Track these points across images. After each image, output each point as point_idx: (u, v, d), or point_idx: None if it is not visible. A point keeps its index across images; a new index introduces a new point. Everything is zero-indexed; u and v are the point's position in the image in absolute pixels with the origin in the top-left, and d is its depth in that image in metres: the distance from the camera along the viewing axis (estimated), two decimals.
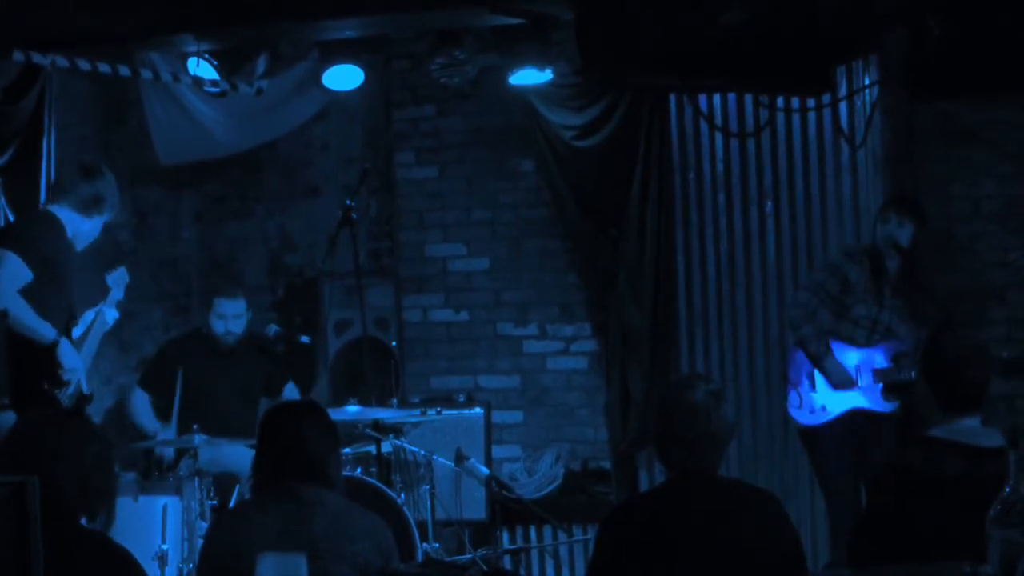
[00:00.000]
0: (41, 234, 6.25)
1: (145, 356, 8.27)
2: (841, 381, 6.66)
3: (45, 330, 6.08)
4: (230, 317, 7.41)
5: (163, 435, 7.20)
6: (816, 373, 6.70)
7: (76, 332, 6.45)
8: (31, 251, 6.09)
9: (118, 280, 6.74)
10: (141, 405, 7.43)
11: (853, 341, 6.71)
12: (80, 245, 6.48)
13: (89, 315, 6.58)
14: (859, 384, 6.66)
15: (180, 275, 9.00)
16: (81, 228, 6.41)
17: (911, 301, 6.76)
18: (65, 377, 6.15)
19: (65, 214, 6.35)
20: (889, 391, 6.62)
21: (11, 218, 6.78)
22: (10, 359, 5.97)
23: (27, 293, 6.04)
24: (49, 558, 2.86)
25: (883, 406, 6.65)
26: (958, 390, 4.07)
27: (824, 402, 6.69)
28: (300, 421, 4.23)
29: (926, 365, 4.19)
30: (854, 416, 6.66)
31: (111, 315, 6.67)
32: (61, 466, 3.45)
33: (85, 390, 6.28)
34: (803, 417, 6.74)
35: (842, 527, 6.39)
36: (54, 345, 6.09)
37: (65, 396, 6.14)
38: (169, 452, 7.11)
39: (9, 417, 5.75)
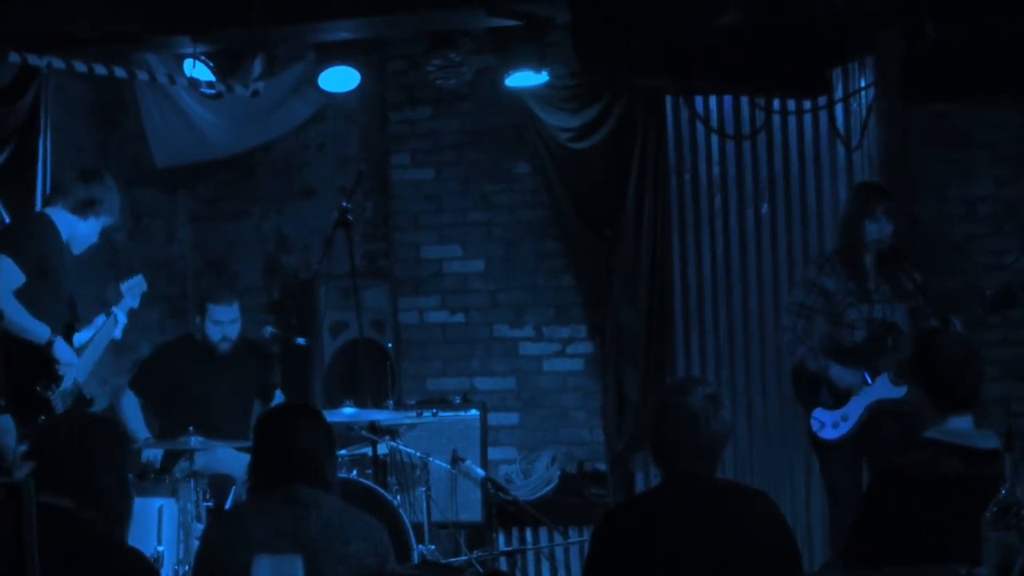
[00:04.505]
0: (34, 236, 6.27)
1: (140, 358, 8.25)
2: (850, 385, 6.65)
3: (40, 330, 6.09)
4: (226, 323, 7.38)
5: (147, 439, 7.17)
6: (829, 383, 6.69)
7: (85, 335, 6.46)
8: (24, 253, 6.11)
9: (134, 288, 6.75)
10: (130, 408, 7.40)
11: (854, 342, 6.70)
12: (77, 248, 6.49)
13: (99, 320, 6.59)
14: (868, 382, 6.64)
15: (176, 277, 8.99)
16: (77, 230, 6.43)
17: (895, 281, 6.74)
18: (60, 372, 6.15)
19: (60, 216, 6.37)
20: (898, 375, 6.59)
21: (6, 218, 6.79)
22: (3, 362, 5.98)
23: (21, 295, 6.05)
24: (62, 561, 2.86)
25: (896, 392, 6.62)
26: (951, 391, 4.08)
27: (845, 411, 6.67)
28: (296, 423, 4.23)
29: (918, 365, 4.20)
30: (870, 411, 6.64)
31: (121, 321, 6.67)
32: (97, 469, 3.45)
33: (85, 395, 6.29)
34: (829, 434, 6.68)
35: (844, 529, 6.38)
36: (49, 345, 6.09)
37: (58, 397, 6.14)
38: (156, 458, 7.09)
39: (7, 421, 5.76)
